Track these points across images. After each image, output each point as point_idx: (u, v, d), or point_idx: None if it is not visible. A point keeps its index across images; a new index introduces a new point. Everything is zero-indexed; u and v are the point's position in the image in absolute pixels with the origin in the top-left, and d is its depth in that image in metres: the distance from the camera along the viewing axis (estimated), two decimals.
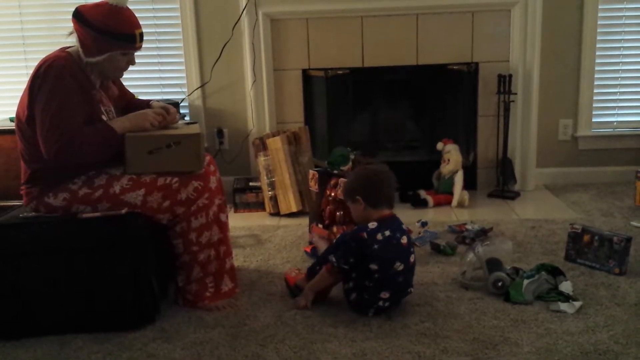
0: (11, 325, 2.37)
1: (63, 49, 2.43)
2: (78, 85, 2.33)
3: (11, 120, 3.82)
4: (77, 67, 2.37)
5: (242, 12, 3.95)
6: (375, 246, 2.38)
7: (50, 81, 2.27)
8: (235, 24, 4.03)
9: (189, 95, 4.19)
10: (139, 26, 2.43)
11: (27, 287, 2.37)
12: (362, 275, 2.42)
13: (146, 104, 2.69)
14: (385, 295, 2.41)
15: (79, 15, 2.36)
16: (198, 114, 4.21)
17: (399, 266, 2.41)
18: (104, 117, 2.44)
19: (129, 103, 2.70)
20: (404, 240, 2.46)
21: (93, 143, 2.32)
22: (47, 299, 2.37)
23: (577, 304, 2.43)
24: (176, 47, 4.18)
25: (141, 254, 2.42)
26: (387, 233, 2.41)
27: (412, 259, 2.48)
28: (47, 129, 2.25)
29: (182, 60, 4.18)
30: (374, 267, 2.38)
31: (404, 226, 2.52)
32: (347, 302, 2.48)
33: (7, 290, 2.37)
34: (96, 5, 2.39)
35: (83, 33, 2.35)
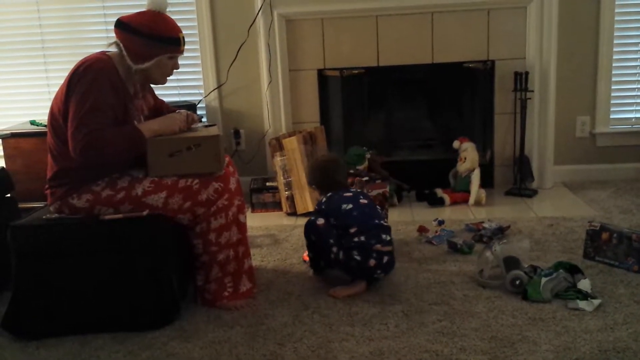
0: (33, 325, 2.41)
1: (104, 52, 2.47)
2: (113, 89, 2.37)
3: (32, 123, 3.88)
4: (115, 71, 2.41)
5: (258, 13, 3.98)
6: (323, 206, 2.74)
7: (87, 81, 2.32)
8: (251, 25, 4.05)
9: (205, 97, 4.22)
10: (181, 30, 2.52)
11: (49, 287, 2.41)
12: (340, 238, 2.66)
13: (174, 110, 2.75)
14: (353, 229, 2.61)
15: (123, 25, 2.42)
16: (215, 115, 4.24)
17: (347, 206, 2.68)
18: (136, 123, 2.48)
19: (158, 109, 2.75)
20: (348, 194, 2.75)
21: (118, 144, 2.35)
22: (69, 300, 2.41)
23: (596, 302, 2.42)
24: (193, 49, 4.20)
25: (162, 255, 2.45)
26: (329, 194, 2.77)
27: (362, 200, 2.72)
28: (75, 126, 2.29)
29: (199, 62, 4.22)
30: (333, 221, 2.67)
31: (354, 189, 2.87)
32: (347, 272, 2.67)
33: (29, 291, 2.41)
34: (138, 13, 2.46)
35: (130, 40, 2.41)
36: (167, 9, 2.51)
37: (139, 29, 2.40)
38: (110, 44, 2.47)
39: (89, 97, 2.30)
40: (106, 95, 2.34)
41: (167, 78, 2.59)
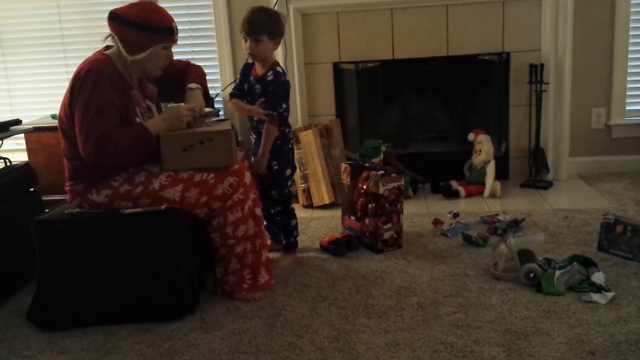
0: (59, 316, 2.48)
1: (102, 52, 2.51)
2: (115, 88, 2.41)
3: (53, 117, 3.96)
4: (115, 69, 2.45)
5: (273, 8, 4.00)
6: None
7: (89, 86, 2.36)
8: None
9: (222, 90, 4.26)
10: (173, 20, 2.52)
11: (73, 280, 2.48)
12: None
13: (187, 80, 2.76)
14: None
15: (116, 17, 2.43)
16: None
17: None
18: (138, 119, 2.52)
19: (184, 73, 2.78)
20: None
21: (128, 145, 2.40)
22: (92, 292, 2.47)
23: (609, 294, 2.45)
24: (209, 42, 4.26)
25: (181, 248, 2.50)
26: None
27: None
28: (84, 132, 2.35)
29: (216, 55, 4.27)
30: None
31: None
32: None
33: (54, 283, 2.48)
34: (130, 5, 2.47)
35: (124, 32, 2.43)
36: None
37: (132, 20, 2.41)
38: (106, 37, 2.50)
39: (92, 101, 2.34)
40: (109, 96, 2.38)
41: (161, 71, 2.60)
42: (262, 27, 2.78)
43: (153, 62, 2.51)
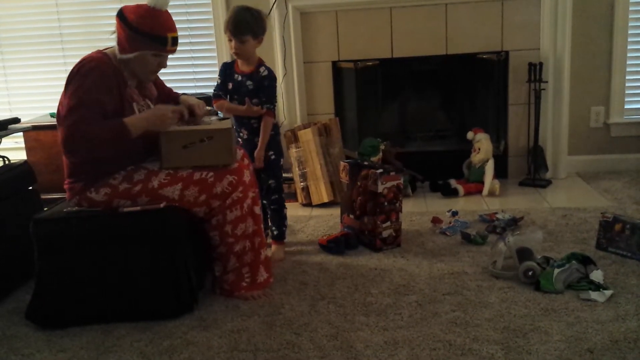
0: (57, 314, 2.48)
1: (100, 50, 2.51)
2: (106, 86, 2.40)
3: (51, 115, 3.96)
4: (111, 66, 2.45)
5: (273, 6, 4.01)
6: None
7: (77, 81, 2.37)
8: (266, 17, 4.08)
9: None
10: (173, 30, 2.48)
11: (72, 278, 2.47)
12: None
13: (174, 98, 2.77)
14: None
15: (121, 14, 2.45)
16: None
17: None
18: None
19: (167, 98, 2.78)
20: None
21: (100, 138, 2.35)
22: (91, 290, 2.47)
23: (608, 292, 2.45)
24: (208, 41, 4.26)
25: (179, 246, 2.50)
26: None
27: None
28: (61, 121, 2.36)
29: (215, 54, 4.27)
30: None
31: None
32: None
33: (53, 282, 2.47)
34: (137, 5, 2.47)
35: (120, 30, 2.45)
36: (167, 6, 2.48)
37: (129, 21, 2.41)
38: (112, 33, 2.50)
39: (77, 94, 2.34)
40: (97, 92, 2.36)
41: (154, 76, 2.60)
42: (247, 27, 2.85)
43: (140, 66, 2.50)
